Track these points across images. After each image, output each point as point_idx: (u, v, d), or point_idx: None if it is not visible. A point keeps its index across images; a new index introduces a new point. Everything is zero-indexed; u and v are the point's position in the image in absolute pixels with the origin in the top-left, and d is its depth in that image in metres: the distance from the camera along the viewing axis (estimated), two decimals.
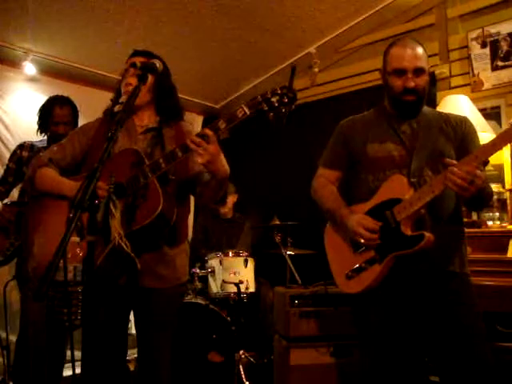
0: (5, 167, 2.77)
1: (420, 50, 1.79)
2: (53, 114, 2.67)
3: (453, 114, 1.95)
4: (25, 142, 2.76)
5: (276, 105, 1.55)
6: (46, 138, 2.74)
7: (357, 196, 1.89)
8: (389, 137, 1.84)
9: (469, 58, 3.32)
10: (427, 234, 1.63)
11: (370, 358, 1.83)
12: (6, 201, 2.68)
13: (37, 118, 2.75)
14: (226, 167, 1.70)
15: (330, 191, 1.95)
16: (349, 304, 2.57)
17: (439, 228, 1.72)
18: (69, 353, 2.59)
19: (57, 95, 2.79)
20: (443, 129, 1.83)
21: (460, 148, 1.81)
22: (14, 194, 2.83)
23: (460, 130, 1.84)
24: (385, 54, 1.87)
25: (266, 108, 1.56)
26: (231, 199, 3.96)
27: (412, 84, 1.75)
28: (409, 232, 1.69)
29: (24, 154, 2.69)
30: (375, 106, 2.00)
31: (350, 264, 1.82)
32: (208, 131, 1.58)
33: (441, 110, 2.12)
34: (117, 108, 1.81)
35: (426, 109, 1.89)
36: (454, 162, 1.60)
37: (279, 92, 1.55)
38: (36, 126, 2.75)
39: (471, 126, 1.88)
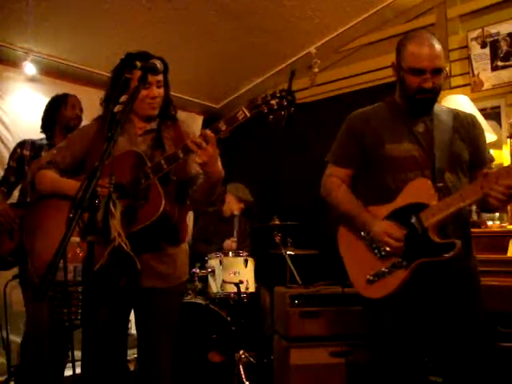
0: (5, 166, 2.73)
1: (438, 48, 1.73)
2: (68, 100, 2.70)
3: (462, 112, 1.91)
4: (25, 140, 2.71)
5: (275, 107, 1.56)
6: (44, 136, 2.71)
7: (373, 197, 1.83)
8: (405, 136, 1.79)
9: (469, 58, 3.32)
10: (458, 243, 1.60)
11: (382, 360, 1.80)
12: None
13: (44, 113, 2.72)
14: (221, 171, 1.71)
15: (345, 192, 1.88)
16: (355, 304, 2.57)
17: (459, 231, 1.71)
18: (69, 353, 2.59)
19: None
20: (456, 128, 1.80)
21: (472, 148, 1.80)
22: (14, 194, 2.81)
23: (472, 130, 1.83)
24: (400, 49, 1.80)
25: (266, 111, 1.57)
26: (243, 206, 3.95)
27: (430, 85, 1.71)
28: (437, 239, 1.65)
29: (25, 153, 2.65)
30: (385, 100, 1.94)
31: (371, 268, 1.75)
32: (209, 132, 1.59)
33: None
34: (117, 108, 1.81)
35: (436, 105, 1.85)
36: (490, 172, 1.59)
37: (278, 95, 1.57)
38: (36, 126, 2.73)
39: (480, 125, 1.88)
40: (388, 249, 1.71)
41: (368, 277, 1.75)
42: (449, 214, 1.63)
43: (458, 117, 1.85)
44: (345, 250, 1.90)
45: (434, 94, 1.76)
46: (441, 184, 1.69)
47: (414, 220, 1.69)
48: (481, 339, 1.69)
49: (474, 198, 1.60)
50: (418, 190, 1.71)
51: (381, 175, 1.81)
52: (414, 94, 1.74)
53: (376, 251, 1.75)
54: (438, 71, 1.72)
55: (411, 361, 1.73)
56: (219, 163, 1.70)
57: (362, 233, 1.79)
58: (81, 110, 2.74)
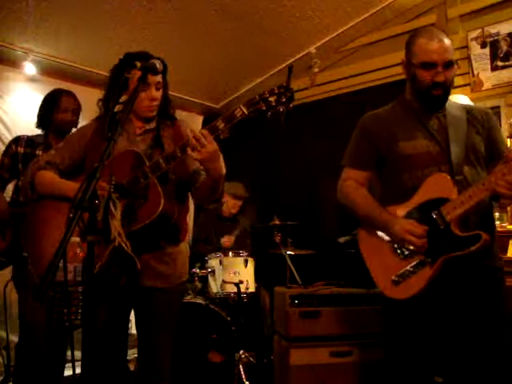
0: None
1: (448, 42, 1.72)
2: (60, 102, 2.62)
3: (475, 106, 1.90)
4: (19, 137, 2.66)
5: (274, 104, 1.55)
6: (42, 133, 2.67)
7: (391, 197, 1.80)
8: (419, 133, 1.77)
9: (469, 58, 3.32)
10: (484, 235, 1.56)
11: (399, 360, 1.78)
12: None
13: (38, 111, 2.66)
14: (222, 168, 1.69)
15: (363, 195, 1.85)
16: (355, 304, 2.61)
17: (483, 225, 1.66)
18: (69, 353, 2.58)
19: (60, 88, 2.75)
20: (470, 121, 1.78)
21: (488, 141, 1.77)
22: (8, 191, 2.77)
23: (487, 123, 1.80)
24: (409, 45, 1.79)
25: (264, 108, 1.56)
26: (240, 203, 3.96)
27: (442, 78, 1.69)
28: (460, 233, 1.62)
29: (20, 150, 2.59)
30: (396, 99, 1.92)
31: (395, 268, 1.72)
32: (205, 132, 1.58)
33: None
34: (116, 108, 1.81)
35: (448, 101, 1.83)
36: None
37: (277, 91, 1.55)
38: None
39: (495, 118, 1.86)
40: (411, 247, 1.68)
41: (393, 278, 1.72)
42: (472, 206, 1.59)
43: (471, 111, 1.83)
44: (367, 253, 1.87)
45: (446, 89, 1.74)
46: (460, 177, 1.67)
47: (435, 215, 1.66)
48: (504, 343, 1.64)
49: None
50: (436, 185, 1.68)
51: (397, 174, 1.79)
52: (426, 89, 1.73)
53: (399, 251, 1.73)
54: (449, 64, 1.71)
55: (428, 362, 1.71)
56: (221, 160, 1.67)
57: (384, 233, 1.77)
58: (75, 110, 2.66)
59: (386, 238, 1.77)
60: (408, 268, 1.70)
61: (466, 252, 1.58)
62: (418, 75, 1.74)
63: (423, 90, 1.74)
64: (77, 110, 2.68)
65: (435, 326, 1.72)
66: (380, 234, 1.80)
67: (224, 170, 1.70)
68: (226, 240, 3.75)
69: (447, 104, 1.81)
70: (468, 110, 1.84)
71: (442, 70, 1.70)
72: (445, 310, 1.70)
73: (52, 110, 2.62)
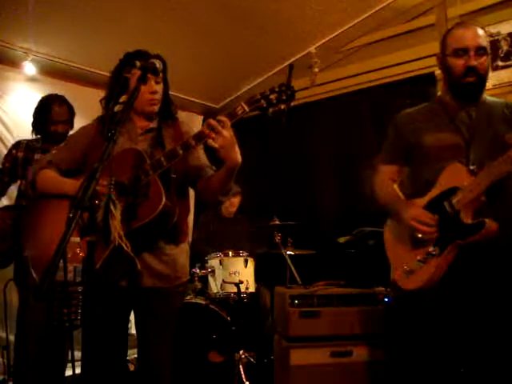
0: (0, 166, 2.75)
1: (481, 31, 1.75)
2: (51, 113, 2.65)
3: None
4: (20, 141, 2.74)
5: (274, 102, 1.56)
6: (39, 136, 2.72)
7: (416, 189, 1.84)
8: (445, 126, 1.78)
9: None
10: (488, 221, 1.56)
11: (401, 358, 1.81)
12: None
13: (32, 120, 2.72)
14: (239, 156, 1.65)
15: (386, 187, 1.91)
16: (355, 304, 2.61)
17: (502, 216, 1.64)
18: (69, 353, 2.59)
19: (51, 94, 2.77)
20: (505, 115, 1.77)
21: None
22: (12, 196, 2.81)
23: None
24: (444, 38, 1.83)
25: (265, 105, 1.56)
26: (237, 200, 3.96)
27: (474, 62, 1.70)
28: (469, 220, 1.62)
29: (19, 154, 2.67)
30: (432, 99, 1.95)
31: (408, 259, 1.75)
32: (223, 117, 1.57)
33: None
34: (117, 108, 1.81)
35: (486, 96, 1.83)
36: None
37: (277, 89, 1.56)
38: None
39: None
40: (420, 235, 1.70)
41: (405, 267, 1.75)
42: (480, 192, 1.60)
43: (509, 104, 1.82)
44: (388, 244, 1.91)
45: (479, 78, 1.74)
46: (474, 166, 1.66)
47: (446, 204, 1.67)
48: None
49: (505, 169, 1.55)
50: (452, 175, 1.70)
51: (421, 167, 1.83)
52: (459, 77, 1.74)
53: (413, 242, 1.75)
54: (481, 50, 1.72)
55: (436, 360, 1.70)
56: (237, 149, 1.64)
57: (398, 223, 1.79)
58: (67, 121, 2.70)
59: (404, 227, 1.78)
60: (419, 258, 1.72)
61: (468, 240, 1.59)
62: (451, 63, 1.76)
63: (456, 78, 1.75)
64: (68, 118, 2.72)
65: (451, 321, 1.70)
66: (399, 224, 1.82)
67: (240, 160, 1.65)
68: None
69: (483, 99, 1.81)
70: (509, 105, 1.83)
71: (473, 55, 1.71)
72: (463, 305, 1.68)
73: (44, 120, 2.67)
